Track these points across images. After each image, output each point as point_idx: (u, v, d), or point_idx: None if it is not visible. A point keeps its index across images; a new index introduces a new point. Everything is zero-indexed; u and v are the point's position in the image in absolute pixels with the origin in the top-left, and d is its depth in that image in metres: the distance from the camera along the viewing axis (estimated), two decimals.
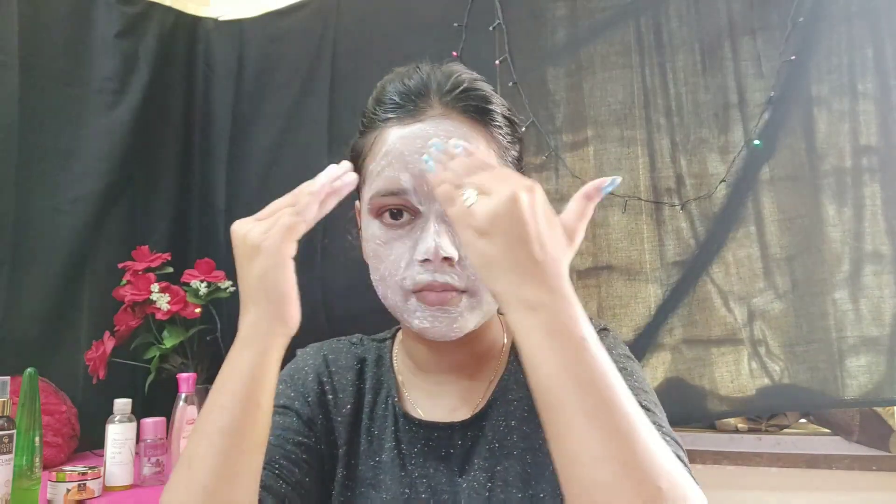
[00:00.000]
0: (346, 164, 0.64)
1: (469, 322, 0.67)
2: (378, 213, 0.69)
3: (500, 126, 0.71)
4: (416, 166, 0.65)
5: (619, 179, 0.64)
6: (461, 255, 0.65)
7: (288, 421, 0.72)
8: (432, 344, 0.71)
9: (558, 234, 0.57)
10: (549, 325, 0.52)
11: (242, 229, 0.60)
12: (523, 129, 1.71)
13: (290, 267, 0.59)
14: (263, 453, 0.59)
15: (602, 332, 0.74)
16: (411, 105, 0.68)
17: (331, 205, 0.63)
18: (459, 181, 0.58)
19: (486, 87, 0.72)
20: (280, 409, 0.73)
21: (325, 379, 0.77)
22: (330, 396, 0.76)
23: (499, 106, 0.71)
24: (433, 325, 0.66)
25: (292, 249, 0.59)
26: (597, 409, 0.49)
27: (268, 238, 0.58)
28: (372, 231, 0.69)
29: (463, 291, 0.66)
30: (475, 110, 0.69)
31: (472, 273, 0.65)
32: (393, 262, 0.67)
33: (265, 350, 0.58)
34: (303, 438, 0.72)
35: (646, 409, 0.60)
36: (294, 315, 0.60)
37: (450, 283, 0.65)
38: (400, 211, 0.67)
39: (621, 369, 0.65)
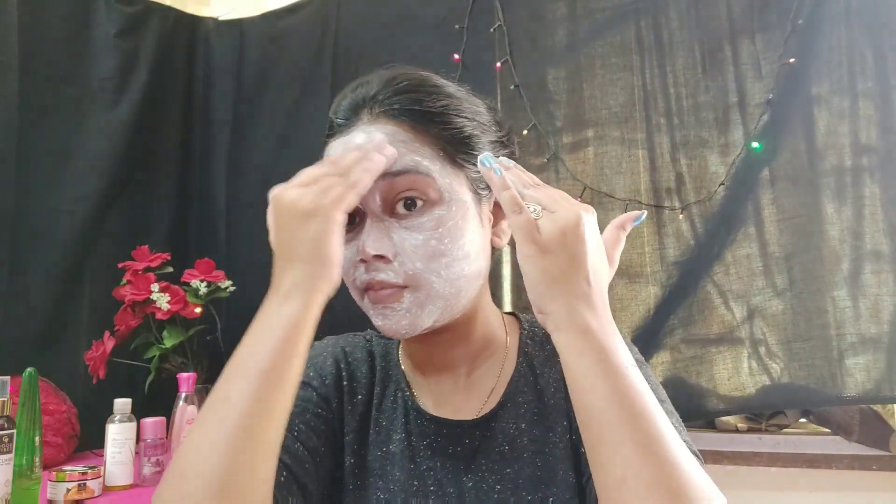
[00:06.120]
0: (380, 136, 0.66)
1: (422, 318, 0.67)
2: None
3: (443, 121, 0.68)
4: None
5: (645, 214, 0.68)
6: (397, 252, 0.66)
7: (308, 394, 0.74)
8: (420, 342, 0.72)
9: (605, 261, 0.61)
10: (599, 351, 0.55)
11: (290, 194, 0.62)
12: (525, 131, 1.73)
13: (340, 233, 0.62)
14: (294, 397, 0.60)
15: None
16: (348, 121, 0.70)
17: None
18: (524, 184, 0.61)
19: (429, 87, 0.70)
20: (300, 384, 0.74)
21: (342, 365, 0.79)
22: (345, 383, 0.77)
23: (445, 104, 0.69)
24: (384, 323, 0.67)
25: (343, 218, 0.62)
26: (646, 439, 0.53)
27: (322, 205, 0.60)
28: None
29: (403, 287, 0.66)
30: (402, 111, 0.68)
31: (409, 268, 0.65)
32: (347, 263, 0.68)
33: (309, 303, 0.60)
34: (321, 411, 0.74)
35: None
36: (337, 275, 0.62)
37: (386, 281, 0.66)
38: (352, 216, 0.68)
39: None
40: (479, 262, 0.69)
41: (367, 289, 0.67)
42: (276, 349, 0.58)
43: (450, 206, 0.67)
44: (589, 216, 0.59)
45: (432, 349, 0.75)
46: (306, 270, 0.60)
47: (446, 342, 0.73)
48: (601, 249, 0.60)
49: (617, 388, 0.54)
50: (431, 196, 0.66)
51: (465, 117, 0.70)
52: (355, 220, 0.68)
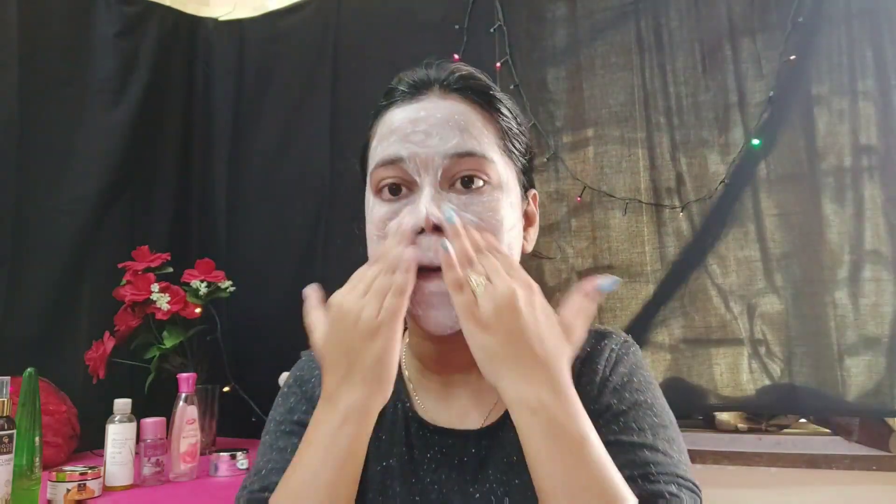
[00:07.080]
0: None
1: None
2: (378, 190, 0.69)
3: (502, 112, 0.71)
4: (411, 138, 0.67)
5: (618, 281, 0.66)
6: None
7: (300, 432, 0.72)
8: (437, 340, 0.70)
9: (557, 331, 0.60)
10: (548, 428, 0.56)
11: (352, 308, 0.62)
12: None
13: (399, 347, 0.63)
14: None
15: (624, 343, 0.74)
16: (414, 91, 0.70)
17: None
18: (468, 259, 0.61)
19: (489, 81, 0.73)
20: (297, 426, 0.73)
21: None
22: None
23: (501, 96, 0.73)
24: (435, 314, 0.65)
25: (401, 328, 0.63)
26: None
27: (382, 322, 0.61)
28: (373, 209, 0.70)
29: None
30: (473, 92, 0.70)
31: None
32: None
33: (367, 426, 0.62)
34: None
35: (664, 453, 0.63)
36: (391, 388, 0.63)
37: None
38: (398, 186, 0.68)
39: (643, 402, 0.67)
40: (514, 257, 0.69)
41: (418, 279, 0.64)
42: (336, 476, 0.60)
43: (505, 191, 0.68)
44: (524, 291, 0.59)
45: (451, 348, 0.70)
46: (365, 391, 0.61)
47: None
48: (549, 320, 0.60)
49: (567, 465, 0.55)
50: (492, 178, 0.67)
51: (514, 117, 0.73)
52: (400, 191, 0.68)
